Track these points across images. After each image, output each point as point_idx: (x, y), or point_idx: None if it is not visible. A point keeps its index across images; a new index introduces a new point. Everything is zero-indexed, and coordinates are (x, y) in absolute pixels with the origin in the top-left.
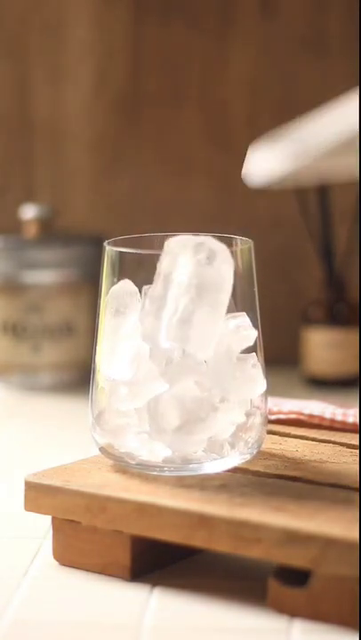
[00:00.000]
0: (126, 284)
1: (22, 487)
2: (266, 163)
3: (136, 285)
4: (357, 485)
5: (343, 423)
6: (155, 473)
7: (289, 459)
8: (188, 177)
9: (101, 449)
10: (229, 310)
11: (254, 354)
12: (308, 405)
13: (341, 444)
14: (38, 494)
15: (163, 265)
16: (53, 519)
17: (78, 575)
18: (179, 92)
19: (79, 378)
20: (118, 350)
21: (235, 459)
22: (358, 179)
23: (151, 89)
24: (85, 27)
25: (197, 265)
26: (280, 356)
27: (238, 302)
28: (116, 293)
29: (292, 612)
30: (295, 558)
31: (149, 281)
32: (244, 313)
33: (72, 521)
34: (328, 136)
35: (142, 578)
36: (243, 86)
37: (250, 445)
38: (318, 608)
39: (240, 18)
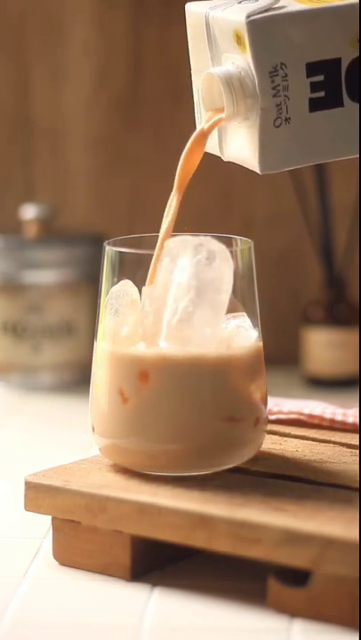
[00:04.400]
0: (126, 284)
1: (22, 487)
2: None
3: (136, 285)
4: (357, 485)
5: (343, 423)
6: (155, 473)
7: (289, 459)
8: None
9: (102, 450)
10: (234, 309)
11: None
12: (309, 405)
13: (341, 444)
14: (38, 494)
15: (163, 265)
16: (53, 519)
17: (78, 575)
18: (179, 92)
19: (79, 378)
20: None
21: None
22: (358, 179)
23: (151, 89)
24: (85, 27)
25: (197, 265)
26: (280, 355)
27: (238, 302)
28: (116, 293)
29: (292, 611)
30: (295, 558)
31: None
32: (245, 313)
33: (72, 521)
34: None
35: (142, 578)
36: None
37: None
38: (318, 608)
39: None
